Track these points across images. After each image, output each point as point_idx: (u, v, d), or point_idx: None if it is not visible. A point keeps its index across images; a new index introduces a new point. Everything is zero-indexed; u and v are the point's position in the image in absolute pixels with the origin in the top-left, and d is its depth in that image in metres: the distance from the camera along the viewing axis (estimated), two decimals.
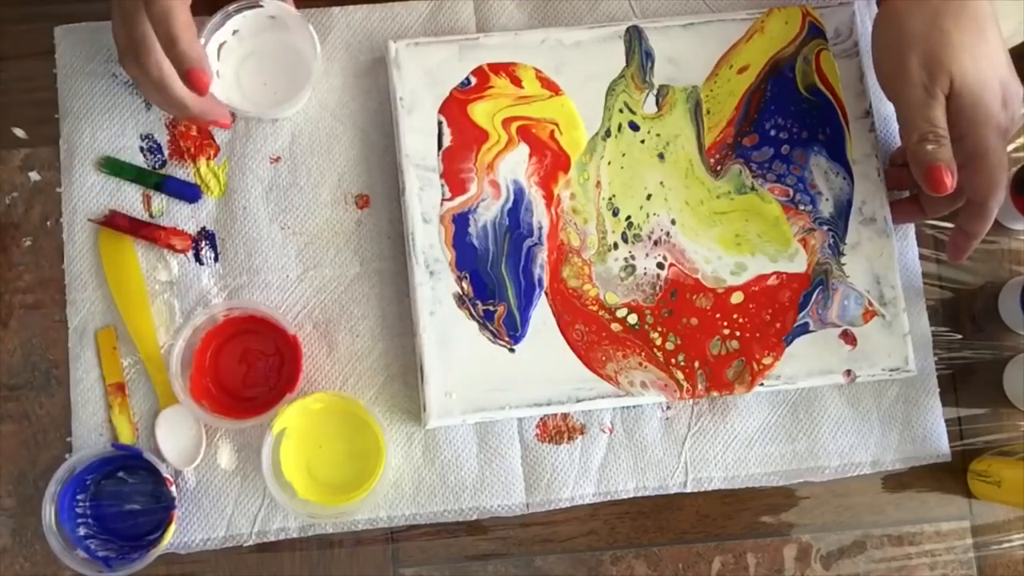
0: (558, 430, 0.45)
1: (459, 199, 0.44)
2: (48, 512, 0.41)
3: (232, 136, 0.46)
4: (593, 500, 0.44)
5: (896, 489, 0.45)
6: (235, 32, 0.44)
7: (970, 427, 0.46)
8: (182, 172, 0.46)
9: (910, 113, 0.39)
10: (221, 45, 0.44)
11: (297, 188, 0.46)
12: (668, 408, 0.45)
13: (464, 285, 0.43)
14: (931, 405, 0.45)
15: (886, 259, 0.44)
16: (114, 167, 0.45)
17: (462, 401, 0.42)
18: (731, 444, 0.45)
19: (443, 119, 0.44)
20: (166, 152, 0.46)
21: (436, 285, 0.43)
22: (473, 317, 0.43)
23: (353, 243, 0.45)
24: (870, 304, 0.44)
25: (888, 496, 0.45)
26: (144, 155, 0.46)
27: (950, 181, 0.38)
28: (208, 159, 0.46)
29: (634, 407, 0.45)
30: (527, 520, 0.45)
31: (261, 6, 0.43)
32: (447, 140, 0.44)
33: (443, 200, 0.43)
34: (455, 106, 0.44)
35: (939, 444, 0.45)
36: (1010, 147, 0.48)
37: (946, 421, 0.45)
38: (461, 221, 0.43)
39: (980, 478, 0.44)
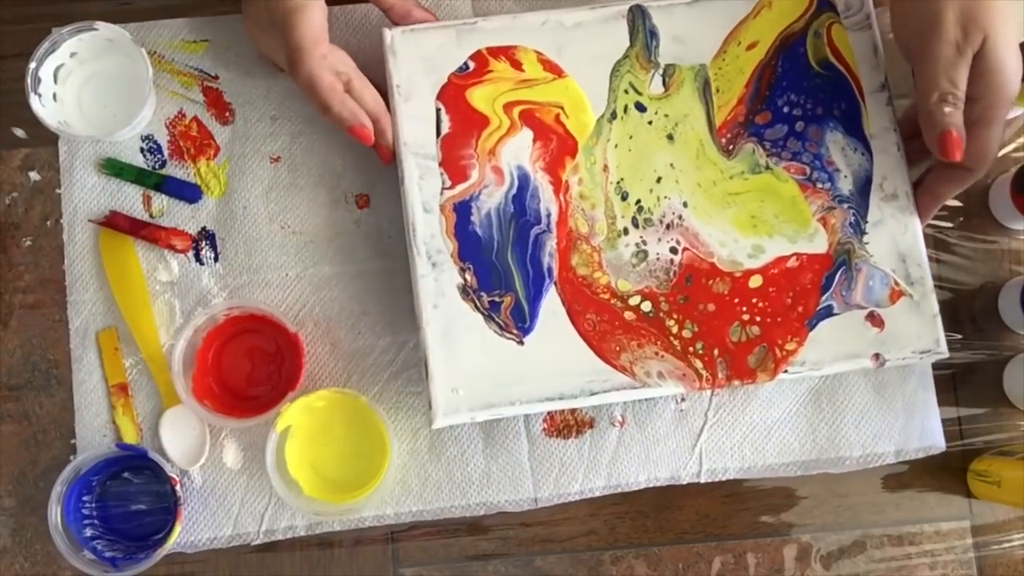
0: (566, 424, 0.42)
1: (460, 187, 0.40)
2: (54, 513, 0.39)
3: (232, 136, 0.44)
4: (604, 493, 0.42)
5: (896, 489, 0.43)
6: (73, 54, 0.42)
7: (970, 427, 0.44)
8: (182, 172, 0.44)
9: (935, 70, 0.36)
10: (59, 67, 0.42)
11: (297, 188, 0.44)
12: (683, 400, 0.42)
13: (468, 276, 0.40)
14: (929, 399, 0.43)
15: (911, 236, 0.40)
16: (114, 168, 0.44)
17: (469, 398, 0.39)
18: (749, 434, 0.42)
19: (441, 106, 0.41)
20: (166, 152, 0.44)
21: (439, 277, 0.39)
22: (478, 309, 0.39)
23: (353, 242, 0.43)
24: (896, 284, 0.40)
25: (888, 496, 0.43)
26: (144, 155, 0.44)
27: (961, 149, 0.36)
28: (208, 159, 0.44)
29: (646, 400, 0.42)
30: (527, 520, 0.43)
31: (96, 29, 0.41)
32: (445, 127, 0.41)
33: (443, 189, 0.40)
34: (453, 92, 0.41)
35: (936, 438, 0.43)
36: (1010, 147, 0.45)
37: (946, 421, 0.43)
38: (463, 209, 0.40)
39: (980, 478, 0.42)
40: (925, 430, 0.43)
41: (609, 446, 0.42)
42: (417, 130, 0.40)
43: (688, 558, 0.43)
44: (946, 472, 0.43)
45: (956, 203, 0.45)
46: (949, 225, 0.45)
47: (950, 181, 0.39)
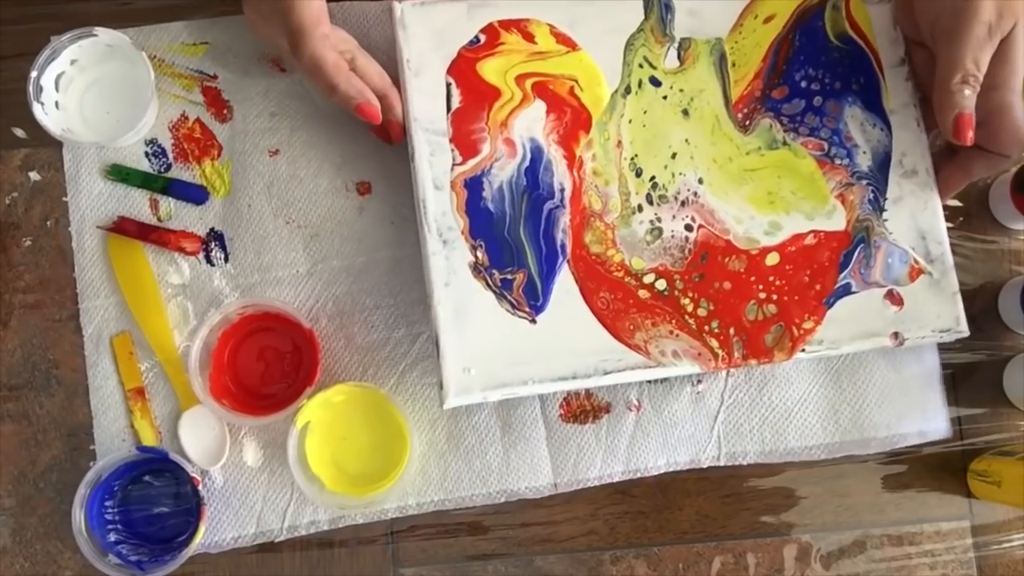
0: (582, 409, 0.42)
1: (471, 162, 0.39)
2: (78, 518, 0.39)
3: (231, 133, 0.43)
4: (623, 478, 0.42)
5: (896, 489, 0.43)
6: (74, 62, 0.42)
7: (970, 427, 0.43)
8: (188, 174, 0.43)
9: (963, 50, 0.35)
10: (60, 75, 0.42)
11: (297, 180, 0.43)
12: (699, 382, 0.42)
13: (479, 254, 0.39)
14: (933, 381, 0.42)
15: (931, 213, 0.39)
16: (120, 173, 0.43)
17: (482, 377, 0.38)
18: (768, 417, 0.42)
19: (451, 80, 0.40)
20: (171, 155, 0.43)
21: (450, 254, 0.38)
22: (490, 287, 0.38)
23: (358, 231, 0.43)
24: (916, 261, 0.39)
25: (888, 496, 0.42)
26: (149, 160, 0.43)
27: (972, 134, 0.36)
28: (212, 159, 0.43)
29: (662, 383, 0.41)
30: (527, 520, 0.42)
31: (96, 35, 0.41)
32: (456, 102, 0.39)
33: (453, 165, 0.39)
34: (464, 65, 0.40)
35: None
36: None
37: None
38: (474, 185, 0.39)
39: (980, 478, 0.41)
40: (938, 413, 0.42)
41: (626, 430, 0.42)
42: (427, 105, 0.39)
43: (688, 558, 0.42)
44: (946, 472, 0.43)
45: (956, 203, 0.44)
46: (949, 225, 0.42)
47: (985, 160, 0.38)
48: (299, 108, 0.43)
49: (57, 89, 0.42)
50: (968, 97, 0.35)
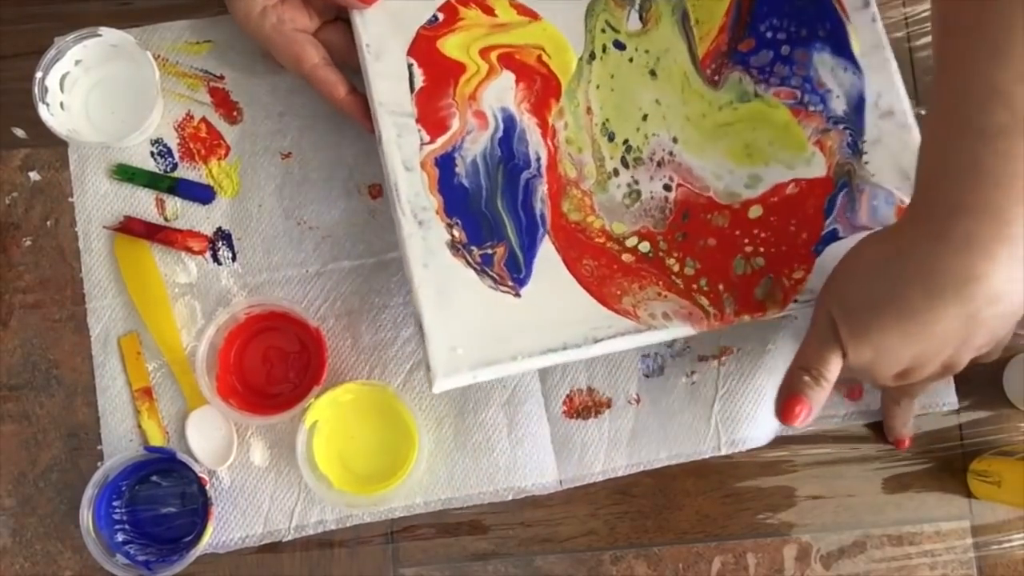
0: (584, 405, 0.41)
1: (440, 139, 0.38)
2: (86, 518, 0.38)
3: (241, 135, 0.43)
4: (627, 472, 0.41)
5: (896, 489, 0.42)
6: (78, 62, 0.41)
7: (970, 427, 0.42)
8: (194, 174, 0.43)
9: (810, 341, 0.34)
10: (64, 76, 0.41)
11: (310, 183, 0.43)
12: (693, 373, 0.41)
13: (456, 232, 0.37)
14: None
15: (912, 153, 0.37)
16: (126, 173, 0.43)
17: (470, 356, 0.36)
18: (761, 402, 0.41)
19: (413, 61, 0.39)
20: (176, 155, 0.43)
21: (427, 235, 0.37)
22: (470, 264, 0.37)
23: (369, 234, 0.42)
24: (902, 201, 0.37)
25: (888, 496, 0.42)
26: (155, 159, 0.43)
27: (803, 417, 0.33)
28: (219, 159, 0.43)
29: (657, 376, 0.41)
30: (527, 520, 0.42)
31: (100, 35, 0.40)
32: (419, 82, 0.38)
33: (422, 144, 0.38)
34: (424, 45, 0.39)
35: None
36: None
37: (946, 421, 0.42)
38: (445, 163, 0.38)
39: (980, 478, 0.41)
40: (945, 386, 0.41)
41: (627, 424, 0.41)
42: (390, 88, 0.38)
43: (688, 558, 0.41)
44: (946, 472, 0.42)
45: None
46: None
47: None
48: (306, 105, 0.43)
49: (62, 90, 0.41)
50: (807, 383, 0.35)
